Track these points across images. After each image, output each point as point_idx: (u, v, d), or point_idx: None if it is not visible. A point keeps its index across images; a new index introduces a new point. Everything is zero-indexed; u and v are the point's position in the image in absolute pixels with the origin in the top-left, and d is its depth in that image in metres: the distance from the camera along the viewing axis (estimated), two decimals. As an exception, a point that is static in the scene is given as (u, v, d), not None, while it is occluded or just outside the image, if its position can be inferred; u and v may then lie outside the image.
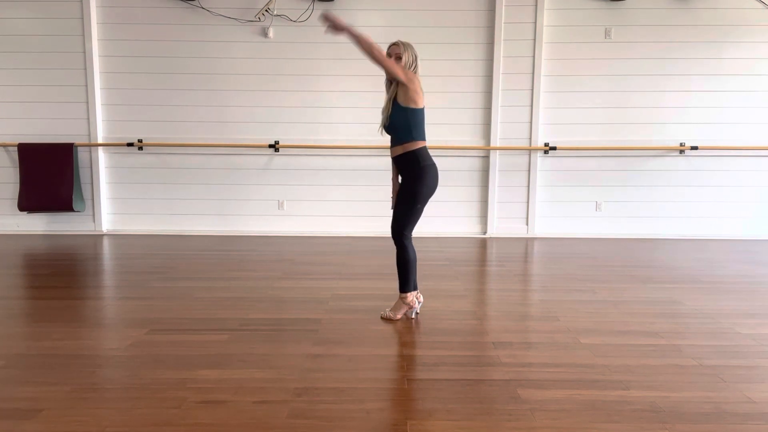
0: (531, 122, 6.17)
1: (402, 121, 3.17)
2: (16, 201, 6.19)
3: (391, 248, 5.53)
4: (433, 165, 3.23)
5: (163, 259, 4.98)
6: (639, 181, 6.28)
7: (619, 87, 6.15)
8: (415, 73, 3.19)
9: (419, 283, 3.62)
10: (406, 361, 2.71)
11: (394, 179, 3.40)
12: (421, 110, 3.20)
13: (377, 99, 6.03)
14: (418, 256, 3.47)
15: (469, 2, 6.05)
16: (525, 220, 6.33)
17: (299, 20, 6.04)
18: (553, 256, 5.32)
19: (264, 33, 6.08)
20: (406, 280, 3.31)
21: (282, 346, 2.86)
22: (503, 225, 6.35)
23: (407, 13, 6.04)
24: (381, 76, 6.03)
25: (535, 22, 6.04)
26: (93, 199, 6.28)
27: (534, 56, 6.08)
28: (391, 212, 3.34)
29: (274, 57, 6.11)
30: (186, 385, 2.39)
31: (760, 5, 6.00)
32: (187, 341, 2.93)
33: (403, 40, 3.29)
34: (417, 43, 3.24)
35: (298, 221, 6.35)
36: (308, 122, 6.19)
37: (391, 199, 3.42)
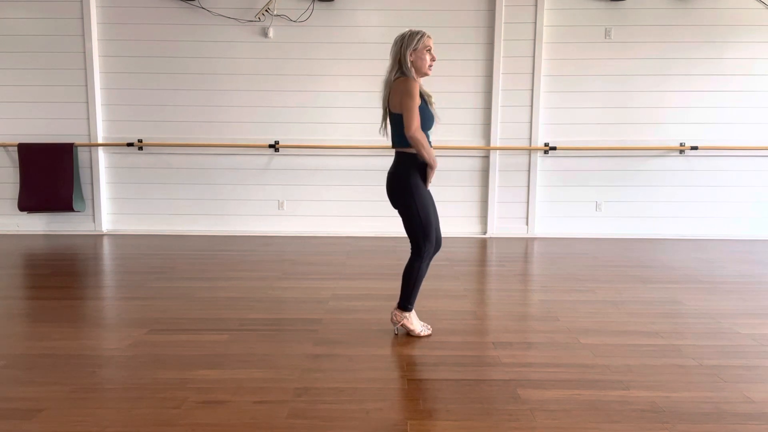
0: (531, 122, 6.17)
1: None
2: (16, 201, 6.19)
3: (391, 248, 5.55)
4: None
5: (163, 259, 4.98)
6: (639, 181, 6.28)
7: (619, 87, 6.14)
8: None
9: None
10: (406, 361, 2.71)
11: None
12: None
13: (377, 99, 6.05)
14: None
15: (469, 2, 6.05)
16: (525, 220, 6.33)
17: (299, 20, 6.04)
18: (553, 256, 5.32)
19: (264, 33, 6.08)
20: (408, 295, 2.99)
21: (282, 346, 2.86)
22: (503, 225, 6.35)
23: (407, 13, 6.04)
24: (380, 76, 6.05)
25: (535, 22, 6.04)
26: (93, 199, 6.28)
27: (534, 56, 6.08)
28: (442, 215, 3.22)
29: (274, 57, 6.11)
30: (186, 385, 2.39)
31: (760, 5, 6.00)
32: (187, 341, 2.93)
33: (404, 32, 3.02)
34: (417, 43, 3.21)
35: (297, 221, 6.35)
36: (308, 122, 6.18)
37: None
